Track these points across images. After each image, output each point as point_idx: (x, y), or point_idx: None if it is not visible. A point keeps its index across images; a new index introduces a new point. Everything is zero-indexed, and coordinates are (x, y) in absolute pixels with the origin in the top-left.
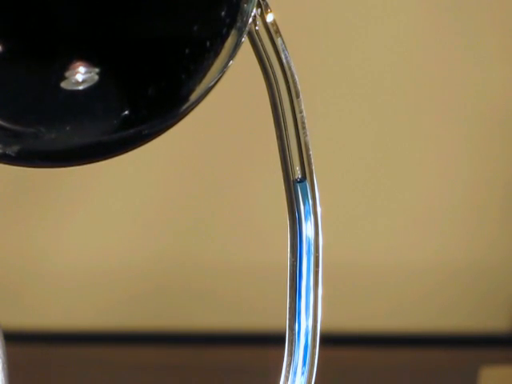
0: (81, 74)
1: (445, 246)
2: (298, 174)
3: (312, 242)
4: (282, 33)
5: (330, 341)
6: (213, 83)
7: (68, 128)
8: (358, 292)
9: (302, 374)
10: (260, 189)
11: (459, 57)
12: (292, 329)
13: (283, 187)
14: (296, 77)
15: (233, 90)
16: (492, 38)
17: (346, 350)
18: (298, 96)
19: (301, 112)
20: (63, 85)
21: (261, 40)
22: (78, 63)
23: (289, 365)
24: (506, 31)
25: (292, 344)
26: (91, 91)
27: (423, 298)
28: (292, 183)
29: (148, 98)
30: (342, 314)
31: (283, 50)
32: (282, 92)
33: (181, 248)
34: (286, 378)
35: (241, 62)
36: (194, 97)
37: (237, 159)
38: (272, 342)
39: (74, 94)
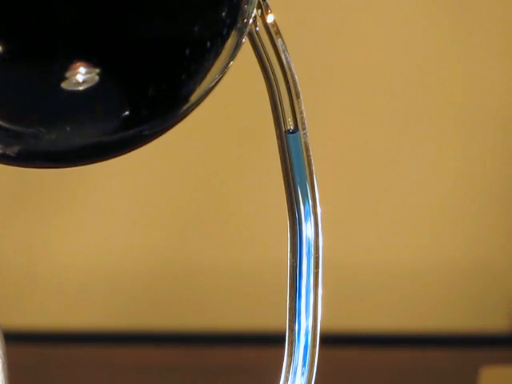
0: (81, 75)
1: (444, 246)
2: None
3: (312, 242)
4: (283, 34)
5: (330, 341)
6: (213, 84)
7: (68, 128)
8: (357, 292)
9: (302, 374)
10: (260, 189)
11: (457, 58)
12: (292, 329)
13: (283, 187)
14: (296, 77)
15: (233, 90)
16: (492, 38)
17: (346, 350)
18: (298, 97)
19: (301, 113)
20: (64, 85)
21: (261, 41)
22: (78, 64)
23: (289, 365)
24: (506, 31)
25: (292, 345)
26: (92, 92)
27: (423, 298)
28: (285, 136)
29: (148, 98)
30: (341, 314)
31: (283, 51)
32: (282, 93)
33: (181, 248)
34: (286, 378)
35: (241, 63)
36: (194, 97)
37: (237, 159)
38: (272, 342)
39: (74, 95)
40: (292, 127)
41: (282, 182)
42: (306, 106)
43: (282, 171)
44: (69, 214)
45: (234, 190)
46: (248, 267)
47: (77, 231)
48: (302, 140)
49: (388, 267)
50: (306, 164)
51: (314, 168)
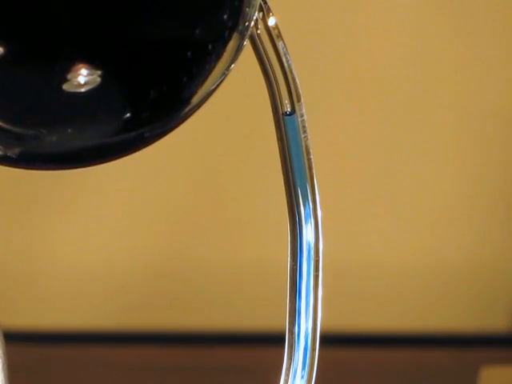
0: (83, 76)
1: (444, 246)
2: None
3: (312, 246)
4: (284, 36)
5: (330, 341)
6: (214, 86)
7: (70, 130)
8: (357, 292)
9: (302, 377)
10: (260, 190)
11: (457, 58)
12: (292, 332)
13: (283, 189)
14: (297, 80)
15: (234, 93)
16: (492, 39)
17: (346, 350)
18: (299, 99)
19: (302, 116)
20: (65, 87)
21: (262, 43)
22: (80, 65)
23: (288, 368)
24: (506, 31)
25: (292, 348)
26: (93, 93)
27: (423, 298)
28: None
29: (150, 100)
30: (341, 314)
31: (284, 54)
32: (282, 95)
33: (181, 249)
34: (286, 381)
35: (242, 66)
36: (195, 100)
37: (237, 161)
38: (272, 342)
39: (75, 96)
40: (289, 109)
41: (283, 183)
42: (306, 108)
43: (283, 173)
44: (69, 214)
45: (234, 191)
46: (248, 267)
47: (77, 231)
48: (303, 143)
49: (388, 267)
50: (307, 167)
51: (314, 170)
